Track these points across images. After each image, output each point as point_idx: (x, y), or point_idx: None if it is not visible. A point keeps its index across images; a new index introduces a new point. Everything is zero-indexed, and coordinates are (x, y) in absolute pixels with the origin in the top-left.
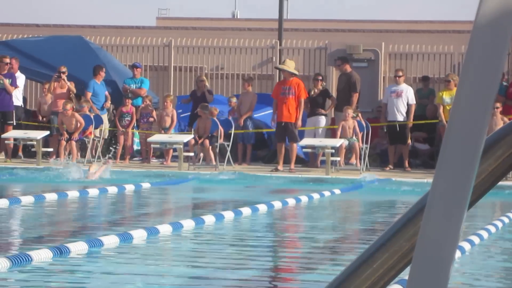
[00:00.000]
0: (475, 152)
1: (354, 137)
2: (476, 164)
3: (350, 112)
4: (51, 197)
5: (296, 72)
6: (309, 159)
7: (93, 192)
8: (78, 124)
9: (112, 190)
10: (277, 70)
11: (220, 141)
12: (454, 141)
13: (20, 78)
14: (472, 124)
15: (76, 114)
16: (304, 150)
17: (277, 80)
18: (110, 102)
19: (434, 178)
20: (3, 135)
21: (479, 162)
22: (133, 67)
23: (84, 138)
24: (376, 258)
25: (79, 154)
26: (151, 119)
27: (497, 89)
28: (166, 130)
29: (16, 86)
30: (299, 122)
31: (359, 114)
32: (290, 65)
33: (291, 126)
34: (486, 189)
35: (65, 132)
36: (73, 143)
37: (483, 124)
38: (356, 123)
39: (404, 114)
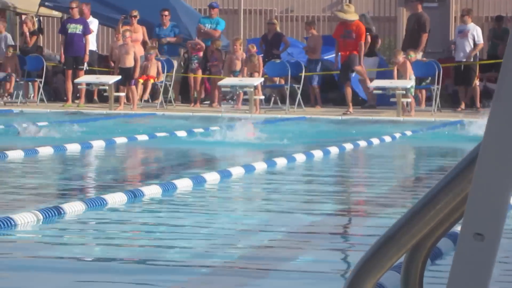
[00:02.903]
0: None
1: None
2: None
3: (400, 58)
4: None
5: (355, 18)
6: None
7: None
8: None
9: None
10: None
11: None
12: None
13: (93, 23)
14: None
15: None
16: (375, 91)
17: None
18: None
19: (489, 117)
20: (76, 80)
21: None
22: (210, 7)
23: (158, 83)
24: (439, 200)
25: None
26: (216, 63)
27: None
28: (236, 73)
29: (89, 32)
30: (358, 66)
31: (418, 55)
32: (349, 10)
33: (353, 58)
34: None
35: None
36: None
37: None
38: (408, 64)
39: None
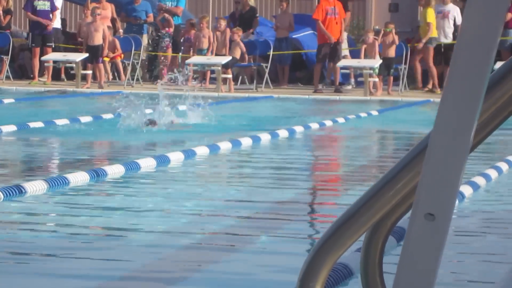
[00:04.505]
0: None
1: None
2: (484, 84)
3: (370, 36)
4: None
5: None
6: (347, 81)
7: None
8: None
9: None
10: None
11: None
12: (463, 59)
13: (58, 0)
14: (482, 42)
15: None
16: (342, 70)
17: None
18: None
19: (441, 99)
20: (43, 57)
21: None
22: None
23: (124, 61)
24: (399, 179)
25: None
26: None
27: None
28: (203, 52)
29: (55, 9)
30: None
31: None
32: None
33: (339, 45)
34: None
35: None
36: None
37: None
38: (376, 44)
39: (450, 35)
